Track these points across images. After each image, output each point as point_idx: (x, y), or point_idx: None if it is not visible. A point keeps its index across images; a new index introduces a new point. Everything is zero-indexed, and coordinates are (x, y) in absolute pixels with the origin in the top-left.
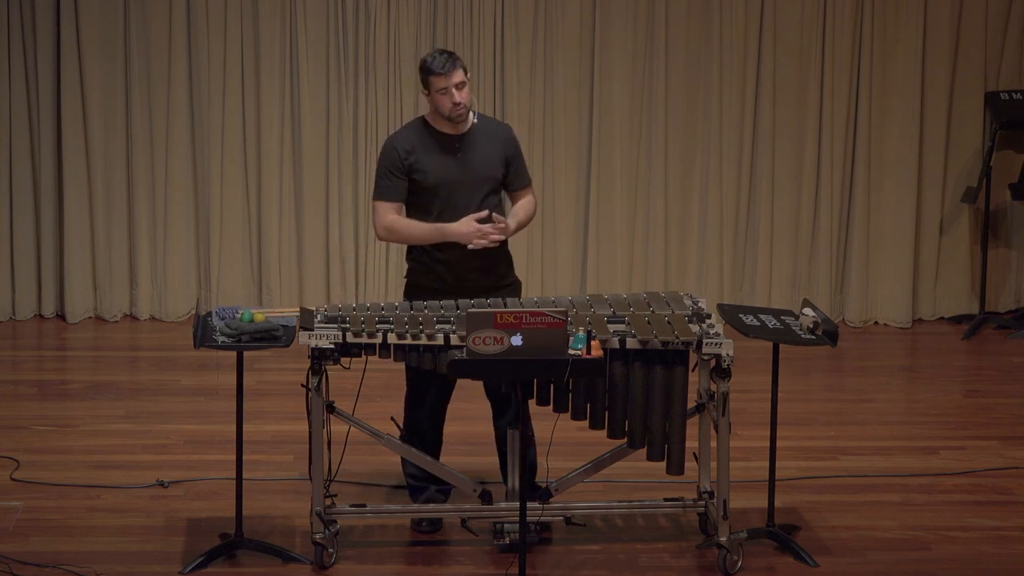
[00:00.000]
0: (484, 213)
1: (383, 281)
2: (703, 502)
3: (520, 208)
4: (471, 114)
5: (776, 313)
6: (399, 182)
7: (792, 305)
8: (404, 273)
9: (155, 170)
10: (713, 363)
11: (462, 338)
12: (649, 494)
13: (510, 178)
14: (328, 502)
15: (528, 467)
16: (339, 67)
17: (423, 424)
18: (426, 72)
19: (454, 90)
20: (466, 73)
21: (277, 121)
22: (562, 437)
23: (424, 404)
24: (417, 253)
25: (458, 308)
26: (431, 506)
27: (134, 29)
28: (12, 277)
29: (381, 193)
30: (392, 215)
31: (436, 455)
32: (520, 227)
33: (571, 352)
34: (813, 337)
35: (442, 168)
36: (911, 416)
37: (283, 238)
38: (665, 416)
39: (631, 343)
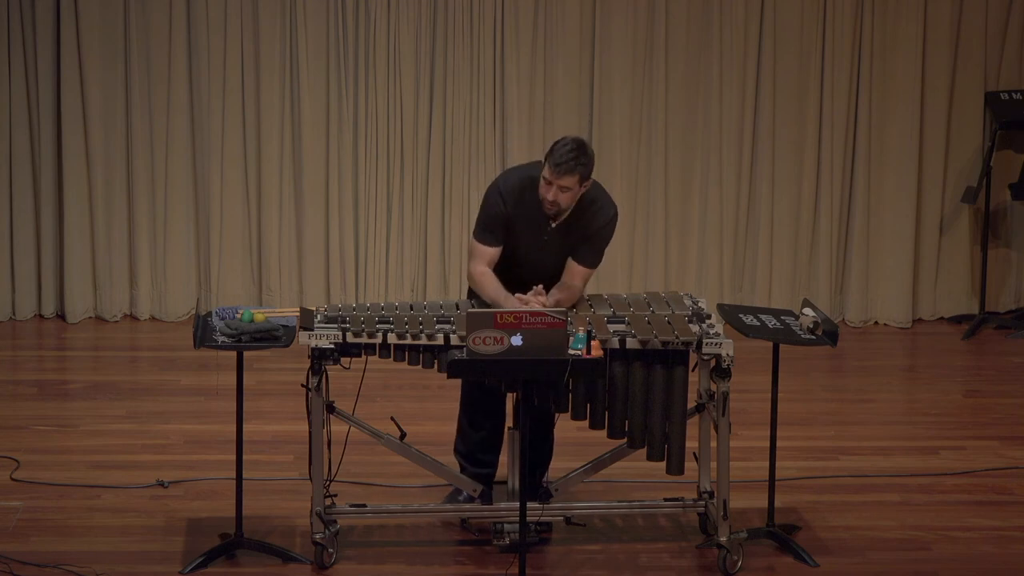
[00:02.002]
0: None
1: (383, 281)
2: (703, 502)
3: (557, 298)
4: (568, 209)
5: (776, 313)
6: (497, 233)
7: (792, 305)
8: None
9: (155, 170)
10: (713, 363)
11: (462, 338)
12: (649, 494)
13: (575, 250)
14: (328, 502)
15: (542, 464)
16: (339, 67)
17: (483, 426)
18: (549, 152)
19: (556, 189)
20: (582, 182)
21: (277, 121)
22: (562, 437)
23: (479, 415)
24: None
25: (458, 308)
26: (430, 506)
27: (134, 29)
28: (12, 277)
29: (480, 236)
30: (483, 266)
31: (495, 453)
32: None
33: (571, 352)
34: (813, 337)
35: (526, 242)
36: (911, 416)
37: (283, 238)
38: (665, 416)
39: (631, 343)
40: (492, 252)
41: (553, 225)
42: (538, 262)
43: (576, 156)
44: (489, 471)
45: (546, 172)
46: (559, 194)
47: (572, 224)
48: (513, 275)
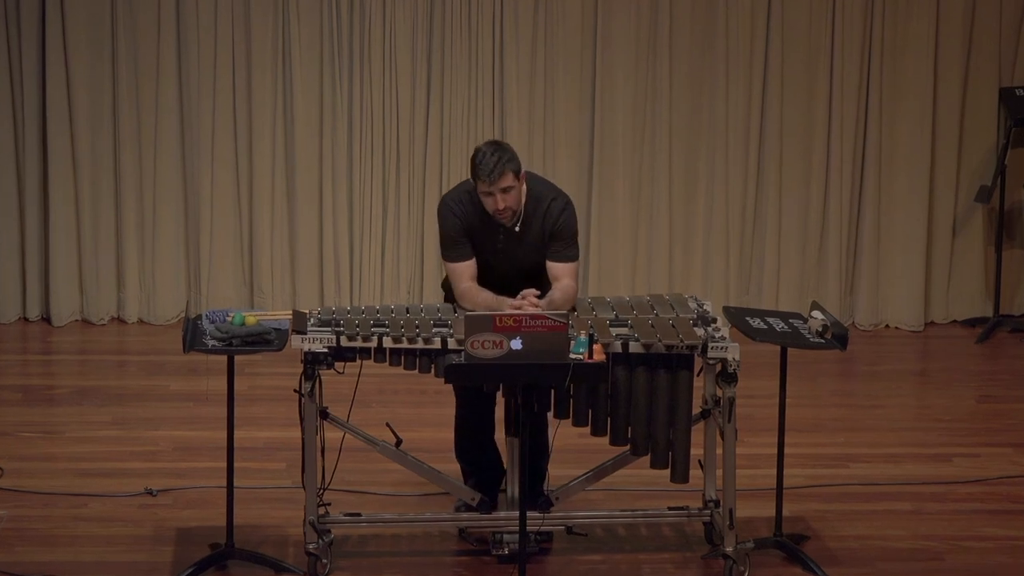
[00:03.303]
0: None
1: (378, 283)
2: (708, 511)
3: (551, 297)
4: (520, 207)
5: (784, 316)
6: (464, 244)
7: (800, 308)
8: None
9: (143, 168)
10: (719, 367)
11: (460, 342)
12: (653, 503)
13: (549, 251)
14: (322, 511)
15: (538, 472)
16: (333, 63)
17: (477, 438)
18: (473, 170)
19: (499, 195)
20: (517, 175)
21: (269, 118)
22: (563, 444)
23: (473, 417)
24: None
25: (456, 311)
26: (428, 515)
27: (121, 23)
28: None
29: (451, 256)
30: (467, 281)
31: (497, 467)
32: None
33: (572, 356)
34: (822, 341)
35: (487, 251)
36: (923, 422)
37: (275, 238)
38: (669, 422)
39: (634, 347)
40: (468, 266)
41: (506, 229)
42: (500, 267)
43: (499, 156)
44: (495, 475)
45: (482, 187)
46: (505, 197)
47: (526, 225)
48: (484, 286)
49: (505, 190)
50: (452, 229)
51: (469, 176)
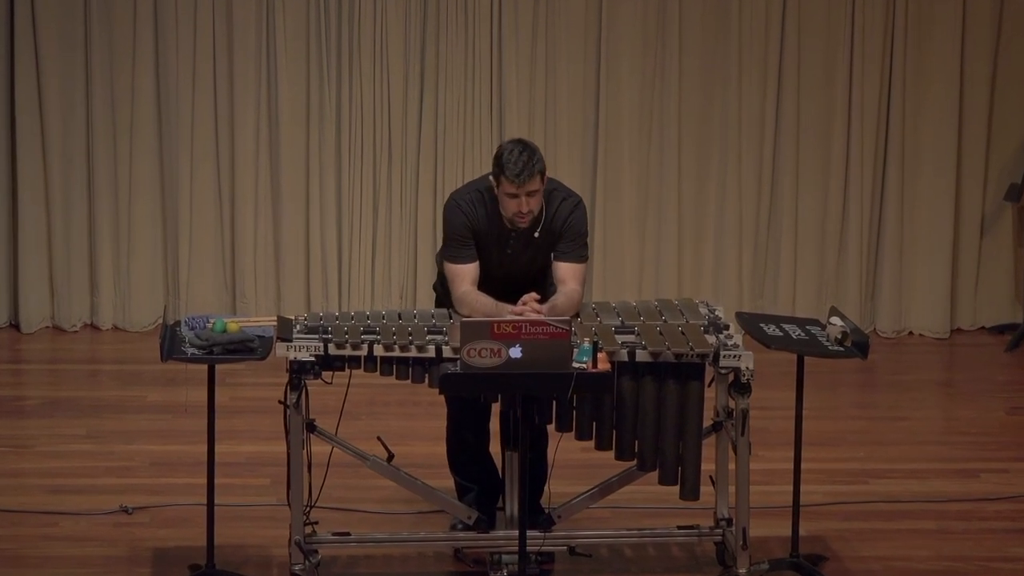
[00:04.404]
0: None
1: (368, 287)
2: (720, 530)
3: (554, 302)
4: (540, 211)
5: (800, 322)
6: (470, 246)
7: (818, 314)
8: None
9: (118, 165)
10: (731, 377)
11: (455, 350)
12: (661, 521)
13: (556, 251)
14: (308, 530)
15: (536, 488)
16: (320, 51)
17: (472, 451)
18: (499, 168)
19: (524, 198)
20: (543, 178)
21: (252, 111)
22: (566, 459)
23: (467, 429)
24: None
25: (451, 317)
26: (422, 534)
27: (95, 9)
28: None
29: (453, 255)
30: (467, 285)
31: (493, 479)
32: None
33: (575, 365)
34: (841, 349)
35: (493, 256)
36: (948, 436)
37: (259, 240)
38: (678, 436)
39: (641, 355)
40: (471, 269)
41: (518, 232)
42: (505, 272)
43: (529, 157)
44: (494, 489)
45: (508, 188)
46: (529, 201)
47: (532, 226)
48: (485, 291)
49: (530, 193)
50: (459, 228)
51: (481, 174)
